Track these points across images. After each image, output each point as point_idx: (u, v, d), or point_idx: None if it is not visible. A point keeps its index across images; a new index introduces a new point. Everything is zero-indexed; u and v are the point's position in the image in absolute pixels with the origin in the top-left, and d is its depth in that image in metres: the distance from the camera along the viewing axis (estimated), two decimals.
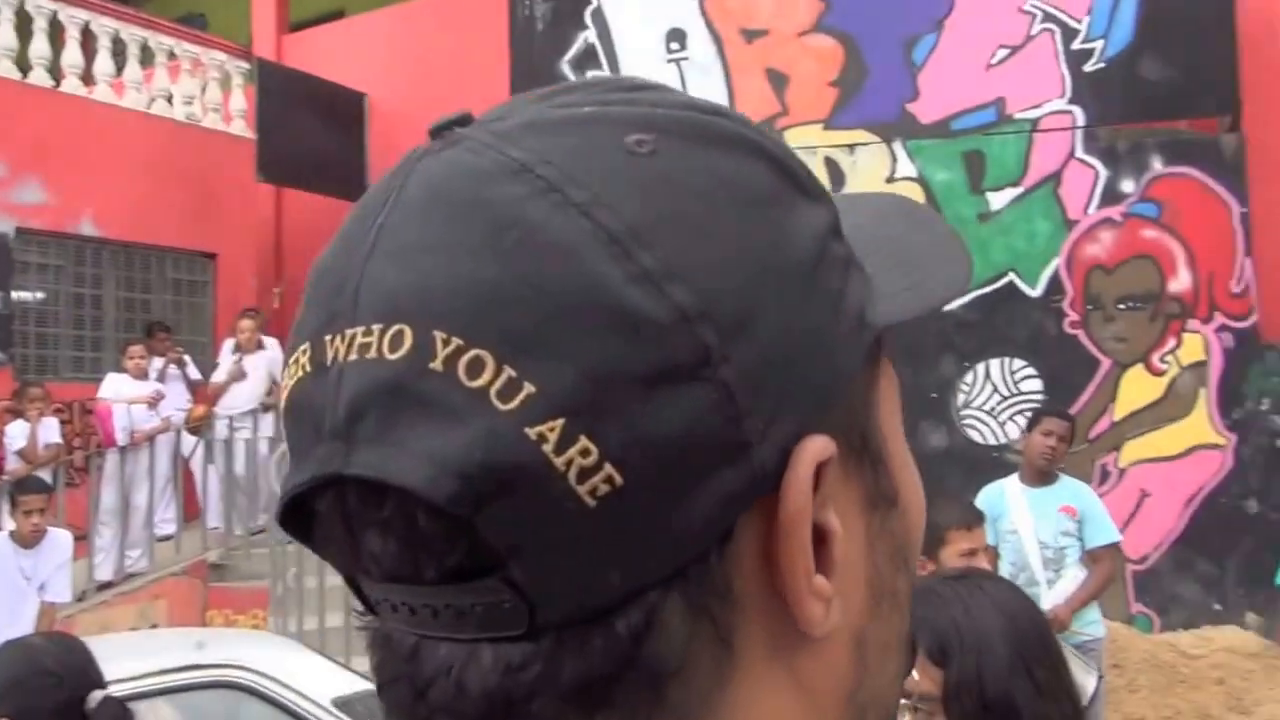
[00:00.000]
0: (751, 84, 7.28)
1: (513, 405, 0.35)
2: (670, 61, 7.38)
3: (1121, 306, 6.75)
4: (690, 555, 0.37)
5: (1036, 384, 6.77)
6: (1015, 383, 6.82)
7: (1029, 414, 5.27)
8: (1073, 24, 6.87)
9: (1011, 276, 6.85)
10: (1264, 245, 6.75)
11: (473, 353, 0.36)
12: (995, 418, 6.84)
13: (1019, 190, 6.87)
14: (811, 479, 0.39)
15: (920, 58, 7.05)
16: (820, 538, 0.40)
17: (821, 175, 7.02)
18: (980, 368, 6.87)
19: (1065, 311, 6.79)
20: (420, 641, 0.39)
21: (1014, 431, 6.69)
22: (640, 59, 7.38)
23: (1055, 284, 6.80)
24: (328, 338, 0.39)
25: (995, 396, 6.85)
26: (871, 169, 7.07)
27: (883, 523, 0.44)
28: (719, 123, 0.41)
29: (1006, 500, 4.54)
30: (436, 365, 0.36)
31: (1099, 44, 6.85)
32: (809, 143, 7.07)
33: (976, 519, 3.36)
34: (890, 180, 7.01)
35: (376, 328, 0.37)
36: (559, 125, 0.40)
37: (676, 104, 0.42)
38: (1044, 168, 6.86)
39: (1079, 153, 6.84)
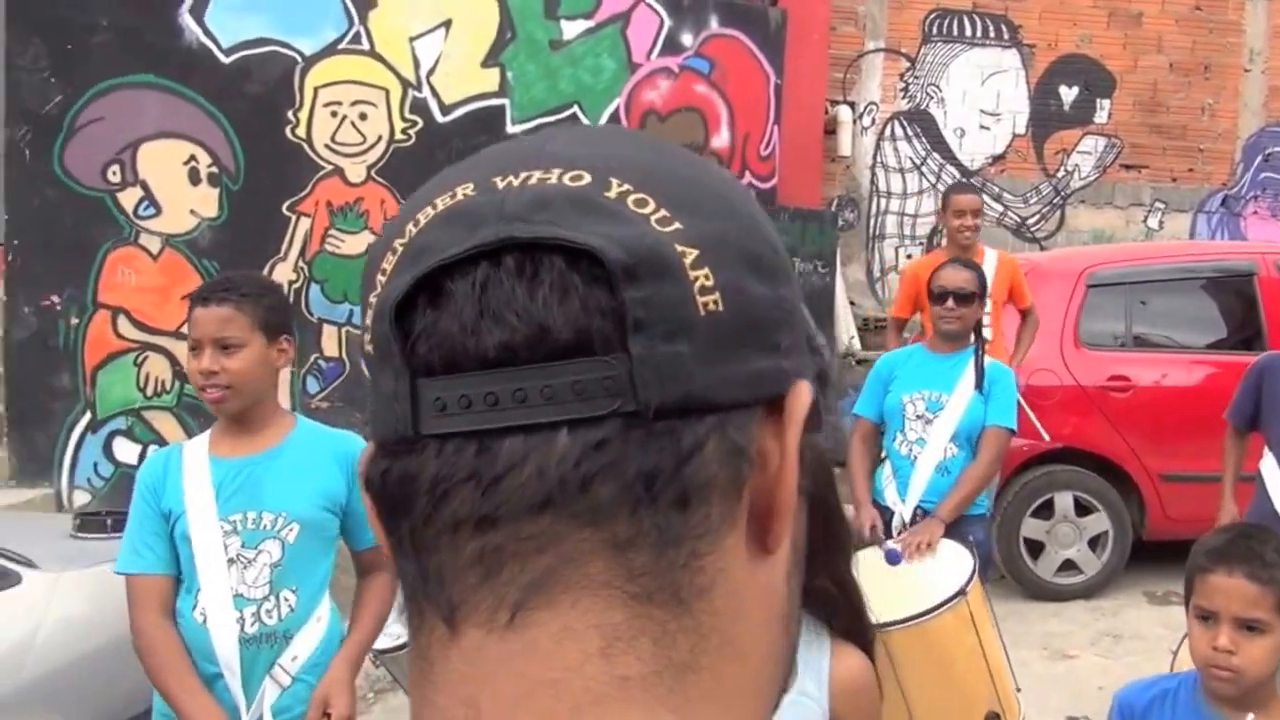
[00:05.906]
0: None
1: (668, 230, 0.44)
2: None
3: None
4: (742, 399, 0.45)
5: None
6: None
7: None
8: None
9: (576, 109, 6.86)
10: (789, 118, 7.42)
11: (639, 194, 0.45)
12: None
13: (590, 24, 6.86)
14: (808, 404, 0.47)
15: None
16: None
17: None
18: None
19: None
20: (486, 441, 0.42)
21: None
22: None
23: (615, 123, 6.93)
24: (496, 179, 0.45)
25: None
26: None
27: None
28: None
29: None
30: (611, 194, 0.45)
31: None
32: None
33: None
34: None
35: (555, 170, 0.45)
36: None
37: None
38: (614, 6, 6.91)
39: None
